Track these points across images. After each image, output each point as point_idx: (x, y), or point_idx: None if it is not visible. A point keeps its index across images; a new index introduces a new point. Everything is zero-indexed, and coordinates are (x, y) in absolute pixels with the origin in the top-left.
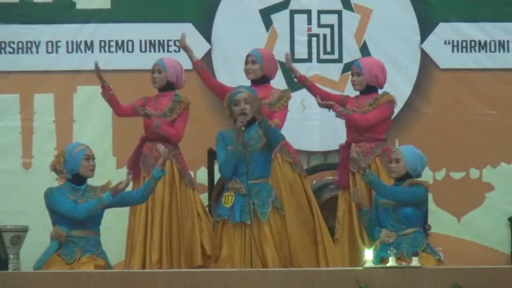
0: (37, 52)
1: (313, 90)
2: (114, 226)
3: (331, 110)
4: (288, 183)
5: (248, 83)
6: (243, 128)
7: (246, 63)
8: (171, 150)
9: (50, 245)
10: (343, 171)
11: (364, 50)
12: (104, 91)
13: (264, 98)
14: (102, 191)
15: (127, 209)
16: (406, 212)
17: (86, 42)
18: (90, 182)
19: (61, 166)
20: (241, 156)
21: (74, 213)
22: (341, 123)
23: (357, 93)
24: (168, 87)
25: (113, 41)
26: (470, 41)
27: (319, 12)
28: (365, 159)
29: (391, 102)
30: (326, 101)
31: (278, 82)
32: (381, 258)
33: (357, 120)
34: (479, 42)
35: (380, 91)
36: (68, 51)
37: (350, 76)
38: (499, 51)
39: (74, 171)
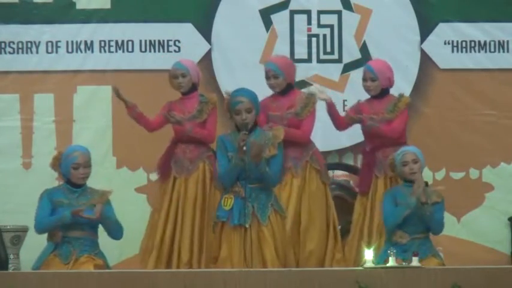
0: (37, 52)
1: (336, 115)
2: None
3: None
4: (311, 190)
5: (248, 84)
6: (244, 148)
7: (268, 78)
8: (204, 152)
9: (46, 246)
10: (365, 177)
11: (364, 50)
12: (129, 111)
13: (291, 107)
14: (101, 197)
15: (126, 209)
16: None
17: (86, 42)
18: (90, 182)
19: (57, 168)
20: (242, 168)
21: (35, 225)
22: None
23: (352, 91)
24: (192, 88)
25: (113, 41)
26: (470, 41)
27: (319, 12)
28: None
29: (408, 104)
30: (339, 119)
31: None
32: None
33: (386, 132)
34: (479, 42)
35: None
36: (68, 51)
37: (362, 82)
38: (499, 51)
39: (66, 176)
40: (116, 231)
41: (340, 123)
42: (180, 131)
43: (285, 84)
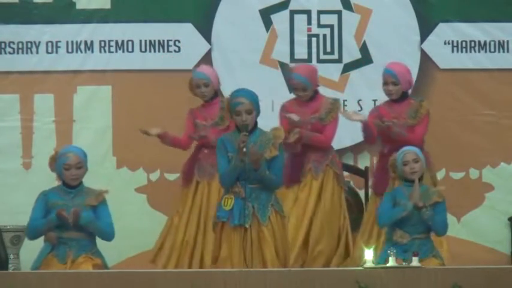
0: (37, 52)
1: (371, 133)
2: (115, 226)
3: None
4: (328, 193)
5: (248, 84)
6: (244, 149)
7: (296, 89)
8: None
9: (44, 247)
10: (381, 179)
11: (364, 50)
12: (162, 140)
13: (315, 112)
14: (97, 197)
15: (126, 209)
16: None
17: (86, 42)
18: (90, 182)
19: (54, 168)
20: (242, 169)
21: (26, 229)
22: (342, 124)
23: (354, 93)
24: (214, 95)
25: (113, 41)
26: (470, 41)
27: (319, 12)
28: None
29: (428, 110)
30: (374, 136)
31: (277, 82)
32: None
33: (412, 140)
34: (479, 42)
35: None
36: (68, 51)
37: (383, 86)
38: (499, 51)
39: (60, 177)
40: (104, 233)
41: (374, 140)
42: (205, 140)
43: (312, 93)
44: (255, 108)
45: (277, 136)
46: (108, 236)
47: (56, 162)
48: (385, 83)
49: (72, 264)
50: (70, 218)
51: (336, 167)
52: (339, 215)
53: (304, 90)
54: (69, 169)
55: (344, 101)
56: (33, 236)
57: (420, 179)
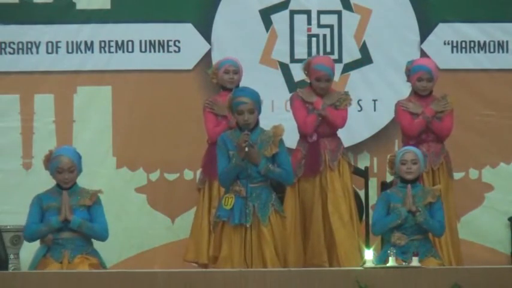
0: (37, 52)
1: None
2: (114, 226)
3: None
4: (345, 182)
5: (248, 84)
6: (246, 149)
7: (319, 81)
8: None
9: (39, 249)
10: None
11: (364, 50)
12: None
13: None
14: (91, 198)
15: (125, 209)
16: None
17: (86, 42)
18: (90, 183)
19: (48, 167)
20: (242, 168)
21: (24, 231)
22: None
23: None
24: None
25: (112, 41)
26: (470, 42)
27: (319, 12)
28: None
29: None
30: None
31: (277, 82)
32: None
33: (444, 128)
34: (479, 42)
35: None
36: (68, 52)
37: (417, 82)
38: (499, 51)
39: (54, 178)
40: (97, 234)
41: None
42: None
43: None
44: (257, 107)
45: (276, 134)
46: (102, 236)
47: (50, 163)
48: (420, 80)
49: (69, 266)
50: (62, 217)
51: (348, 157)
52: (354, 204)
53: (328, 81)
54: (61, 172)
55: None
56: (32, 239)
57: (416, 179)
